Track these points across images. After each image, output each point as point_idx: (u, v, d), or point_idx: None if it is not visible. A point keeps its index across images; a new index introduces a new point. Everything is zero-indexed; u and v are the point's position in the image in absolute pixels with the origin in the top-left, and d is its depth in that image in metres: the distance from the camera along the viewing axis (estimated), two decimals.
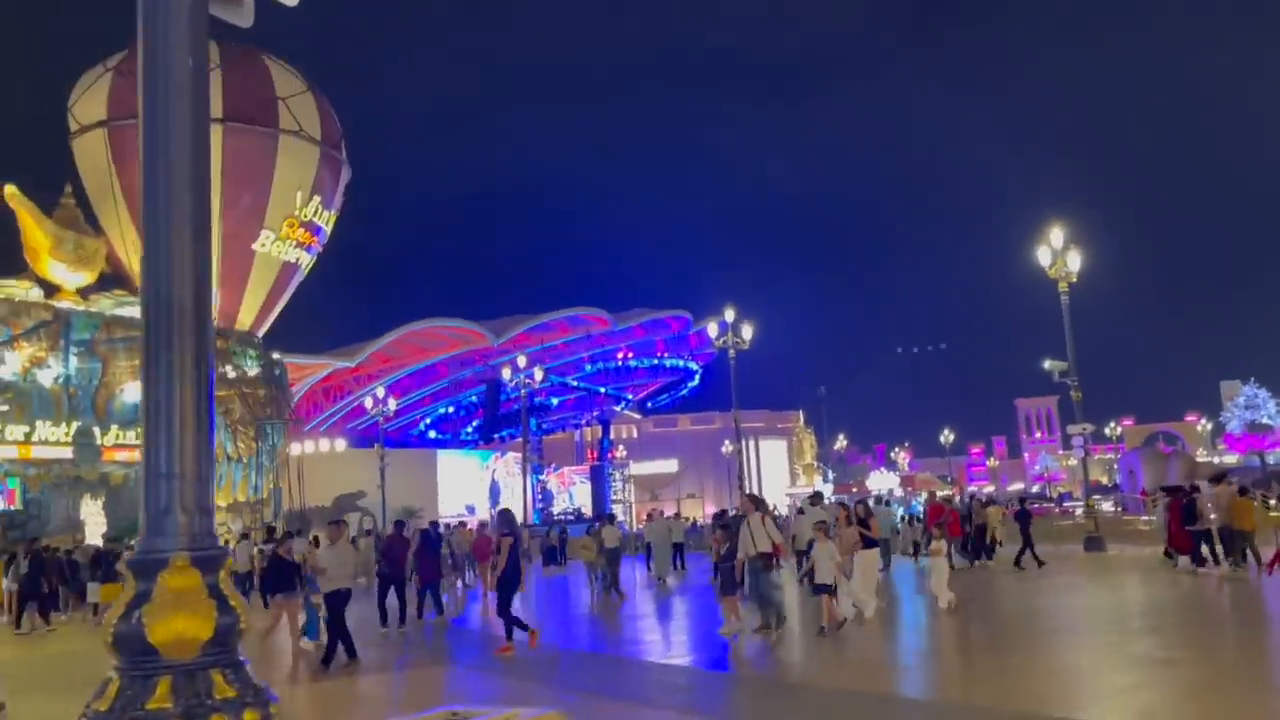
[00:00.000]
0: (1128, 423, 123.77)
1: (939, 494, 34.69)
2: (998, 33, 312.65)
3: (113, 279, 37.17)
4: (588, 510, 71.21)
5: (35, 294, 33.30)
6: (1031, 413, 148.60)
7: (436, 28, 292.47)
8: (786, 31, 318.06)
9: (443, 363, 67.45)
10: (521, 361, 51.75)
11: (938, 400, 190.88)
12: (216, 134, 37.07)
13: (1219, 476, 21.44)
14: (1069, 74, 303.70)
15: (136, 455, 34.29)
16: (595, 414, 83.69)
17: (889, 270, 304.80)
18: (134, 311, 35.90)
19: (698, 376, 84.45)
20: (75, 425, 31.97)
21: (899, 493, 77.68)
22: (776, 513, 34.30)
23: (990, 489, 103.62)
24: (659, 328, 77.80)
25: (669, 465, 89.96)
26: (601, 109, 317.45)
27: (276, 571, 15.71)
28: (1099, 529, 27.37)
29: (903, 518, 31.56)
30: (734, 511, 20.28)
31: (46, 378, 31.89)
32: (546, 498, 74.66)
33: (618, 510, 62.42)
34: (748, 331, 36.39)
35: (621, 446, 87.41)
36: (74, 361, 32.64)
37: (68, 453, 31.85)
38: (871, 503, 31.15)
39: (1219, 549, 19.40)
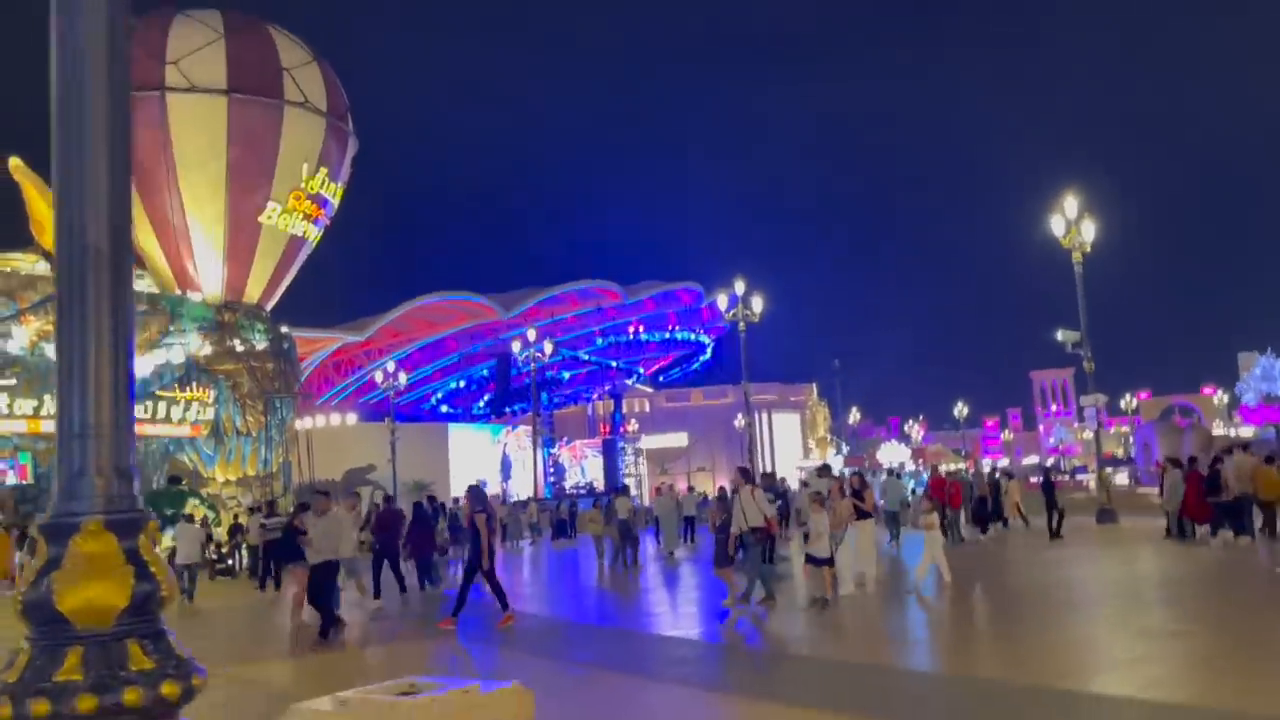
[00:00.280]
0: (1144, 395, 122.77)
1: (943, 468, 34.50)
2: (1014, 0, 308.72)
3: None
4: (600, 484, 71.25)
5: (42, 267, 33.22)
6: (1047, 385, 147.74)
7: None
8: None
9: (452, 337, 67.40)
10: (531, 335, 51.56)
11: (953, 373, 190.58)
12: (221, 105, 36.87)
13: (1242, 447, 21.28)
14: (1085, 40, 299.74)
15: (146, 429, 34.51)
16: (607, 388, 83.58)
17: (905, 242, 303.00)
18: (142, 285, 35.85)
19: (710, 350, 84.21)
20: None
21: (910, 466, 77.33)
22: (786, 485, 34.22)
23: (1005, 462, 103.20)
24: (670, 300, 77.52)
25: (679, 439, 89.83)
26: (612, 79, 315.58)
27: (289, 541, 15.80)
28: (1111, 501, 27.15)
29: (914, 490, 31.41)
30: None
31: (54, 352, 31.90)
32: (559, 471, 74.71)
33: (630, 484, 62.42)
34: (759, 304, 36.16)
35: (634, 420, 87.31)
36: None
37: None
38: (884, 475, 31.00)
39: (1249, 522, 19.08)
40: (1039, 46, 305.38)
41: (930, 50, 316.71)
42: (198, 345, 35.68)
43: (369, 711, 3.71)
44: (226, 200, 37.41)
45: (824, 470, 23.13)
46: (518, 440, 70.01)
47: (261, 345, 37.54)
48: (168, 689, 2.67)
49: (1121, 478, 57.25)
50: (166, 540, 24.03)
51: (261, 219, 38.36)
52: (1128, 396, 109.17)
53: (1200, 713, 7.03)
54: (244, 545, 27.69)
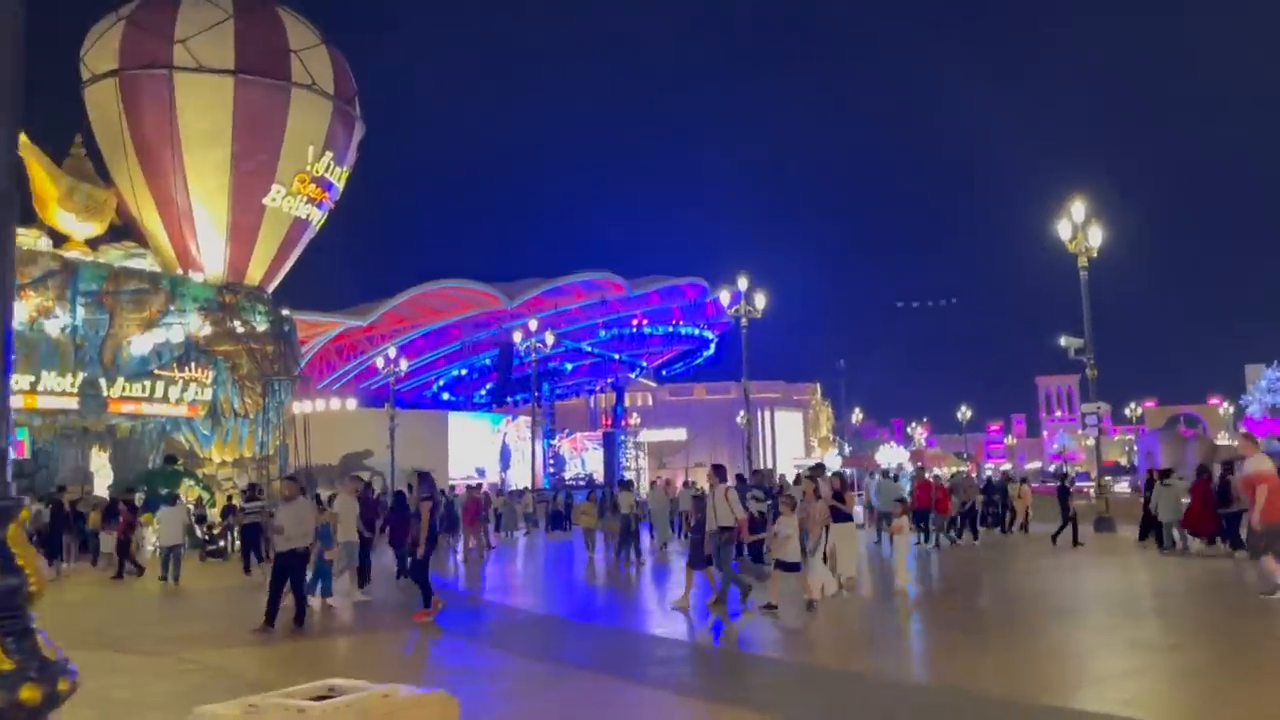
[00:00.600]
0: (1150, 404, 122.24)
1: (941, 470, 34.35)
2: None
3: (122, 230, 36.95)
4: (600, 476, 71.08)
5: (44, 243, 33.15)
6: (1052, 390, 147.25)
7: None
8: None
9: (455, 324, 67.19)
10: (533, 325, 51.35)
11: (958, 376, 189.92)
12: (228, 86, 36.63)
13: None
14: (1093, 44, 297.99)
15: (143, 408, 34.44)
16: (610, 380, 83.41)
17: (913, 244, 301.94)
18: (144, 264, 35.72)
19: (713, 345, 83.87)
20: (81, 376, 31.87)
21: (908, 468, 77.05)
22: (785, 483, 33.95)
23: (1007, 466, 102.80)
24: (674, 295, 77.18)
25: (678, 433, 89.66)
26: (619, 72, 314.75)
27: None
28: (1110, 510, 26.95)
29: (911, 492, 31.18)
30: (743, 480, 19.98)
31: (53, 328, 31.79)
32: (559, 463, 74.57)
33: (630, 478, 62.27)
34: (762, 301, 35.96)
35: (636, 414, 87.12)
36: (81, 312, 32.50)
37: (73, 404, 31.78)
38: (879, 476, 30.80)
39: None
40: (1048, 53, 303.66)
41: (941, 51, 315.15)
42: (198, 325, 35.55)
43: (275, 717, 3.50)
44: (231, 181, 37.20)
45: (817, 469, 22.89)
46: (518, 430, 69.84)
47: (262, 327, 37.39)
48: (27, 693, 2.44)
49: (1122, 486, 56.96)
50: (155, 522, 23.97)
51: (265, 201, 38.16)
52: (1133, 405, 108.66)
53: None
54: (235, 527, 27.55)
